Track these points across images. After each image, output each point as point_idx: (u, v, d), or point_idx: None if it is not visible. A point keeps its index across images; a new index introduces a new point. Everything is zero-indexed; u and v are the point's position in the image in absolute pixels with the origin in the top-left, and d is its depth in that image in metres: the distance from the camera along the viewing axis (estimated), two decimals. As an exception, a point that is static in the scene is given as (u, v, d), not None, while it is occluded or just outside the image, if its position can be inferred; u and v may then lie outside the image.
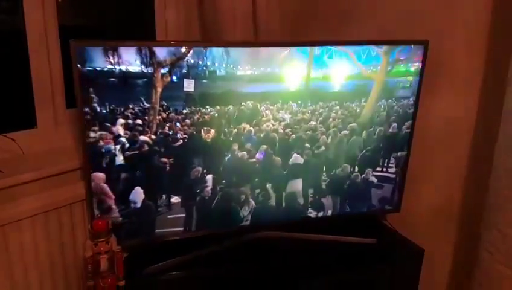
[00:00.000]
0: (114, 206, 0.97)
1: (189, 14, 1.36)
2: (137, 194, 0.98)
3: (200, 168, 1.03)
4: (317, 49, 1.05)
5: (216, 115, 1.01)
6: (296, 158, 1.12)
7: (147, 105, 0.94)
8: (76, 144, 1.09)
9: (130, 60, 0.91)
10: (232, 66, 0.98)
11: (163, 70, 0.93)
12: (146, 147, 0.96)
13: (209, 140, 1.02)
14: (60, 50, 1.13)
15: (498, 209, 1.05)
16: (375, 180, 1.21)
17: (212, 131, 1.01)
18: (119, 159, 0.95)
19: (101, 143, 0.92)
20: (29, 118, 1.12)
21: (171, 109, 0.97)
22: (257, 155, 1.08)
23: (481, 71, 1.14)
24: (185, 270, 1.09)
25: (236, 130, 1.04)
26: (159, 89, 0.94)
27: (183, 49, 0.94)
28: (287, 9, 1.39)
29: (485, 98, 1.15)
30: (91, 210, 1.00)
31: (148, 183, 1.00)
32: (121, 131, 0.93)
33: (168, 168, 1.00)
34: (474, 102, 1.17)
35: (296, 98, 1.07)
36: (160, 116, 0.96)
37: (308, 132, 1.11)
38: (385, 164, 1.21)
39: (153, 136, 0.97)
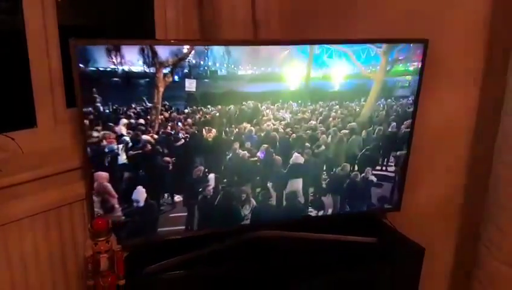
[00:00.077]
0: (117, 205, 1.02)
1: (189, 13, 1.41)
2: (140, 193, 1.03)
3: (202, 168, 1.08)
4: (317, 49, 1.10)
5: (217, 114, 1.06)
6: (297, 157, 1.17)
7: (149, 105, 0.99)
8: (76, 144, 1.14)
9: (132, 60, 0.95)
10: (233, 66, 1.04)
11: (165, 70, 0.98)
12: (148, 147, 1.01)
13: (210, 139, 1.07)
14: (60, 49, 1.17)
15: (498, 207, 1.09)
16: (374, 179, 1.26)
17: (214, 130, 1.07)
18: (122, 159, 0.99)
19: (104, 142, 0.97)
20: (29, 118, 1.16)
21: (173, 108, 1.02)
22: (258, 154, 1.13)
23: (481, 71, 1.18)
24: (185, 269, 1.14)
25: (237, 129, 1.09)
26: (161, 89, 0.99)
27: (185, 50, 0.99)
28: (286, 9, 1.44)
29: (485, 98, 1.19)
30: (91, 209, 1.04)
31: (150, 182, 1.05)
32: (124, 130, 0.98)
33: (170, 167, 1.05)
34: (474, 101, 1.20)
35: (296, 98, 1.12)
36: (162, 116, 1.01)
37: (308, 131, 1.16)
38: (384, 163, 1.27)
39: (155, 136, 1.02)
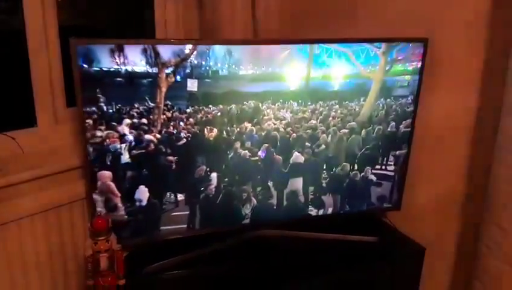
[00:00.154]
0: (120, 205, 1.07)
1: (189, 13, 1.46)
2: (143, 193, 1.08)
3: (204, 167, 1.14)
4: (316, 49, 1.16)
5: (219, 114, 1.11)
6: (297, 157, 1.23)
7: (152, 104, 1.04)
8: (76, 143, 1.18)
9: (134, 60, 1.00)
10: (234, 66, 1.09)
11: (167, 71, 1.03)
12: (151, 146, 1.06)
13: (212, 139, 1.12)
14: (60, 49, 1.22)
15: (498, 206, 1.13)
16: (374, 178, 1.32)
17: (215, 130, 1.12)
18: (125, 158, 1.04)
19: (108, 142, 1.02)
20: (29, 117, 1.21)
21: (175, 108, 1.07)
22: (259, 153, 1.18)
23: (481, 70, 1.22)
24: (186, 269, 1.18)
25: (238, 129, 1.15)
26: (164, 89, 1.04)
27: (187, 50, 1.04)
28: (285, 9, 1.49)
29: (485, 98, 1.23)
30: (91, 209, 1.08)
31: (153, 181, 1.10)
32: (127, 130, 1.04)
33: (172, 166, 1.10)
34: (474, 101, 1.25)
35: (296, 97, 1.18)
36: (164, 116, 1.06)
37: (308, 131, 1.22)
38: (384, 162, 1.33)
39: (158, 135, 1.07)
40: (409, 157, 1.34)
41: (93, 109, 1.00)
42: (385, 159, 1.33)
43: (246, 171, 1.19)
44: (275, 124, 1.18)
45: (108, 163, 1.04)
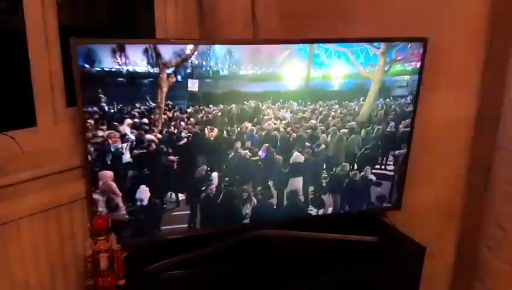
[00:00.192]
0: (121, 204, 1.10)
1: (189, 13, 1.49)
2: (144, 192, 1.11)
3: (204, 166, 1.16)
4: (316, 49, 1.19)
5: (219, 114, 1.14)
6: (297, 156, 1.26)
7: (153, 104, 1.07)
8: (76, 143, 1.20)
9: (136, 60, 1.03)
10: (234, 66, 1.12)
11: (168, 71, 1.06)
12: (153, 146, 1.09)
13: (212, 139, 1.15)
14: (60, 49, 1.23)
15: (498, 206, 1.16)
16: (374, 178, 1.35)
17: (216, 130, 1.15)
18: (126, 158, 1.07)
19: (109, 142, 1.05)
20: (29, 117, 1.22)
21: (176, 108, 1.10)
22: (259, 153, 1.21)
23: (480, 70, 1.25)
24: (186, 268, 1.21)
25: (239, 128, 1.17)
26: (165, 89, 1.07)
27: (188, 50, 1.07)
28: (285, 9, 1.52)
29: (485, 96, 1.26)
30: (91, 208, 1.11)
31: (154, 181, 1.12)
32: (128, 130, 1.06)
33: (173, 166, 1.12)
34: (474, 100, 1.28)
35: (296, 97, 1.21)
36: (165, 115, 1.09)
37: (308, 131, 1.25)
38: (383, 162, 1.36)
39: (159, 135, 1.10)
40: (408, 157, 1.37)
41: (94, 108, 1.03)
42: (384, 158, 1.36)
43: (246, 171, 1.22)
44: (275, 124, 1.21)
45: (110, 163, 1.07)
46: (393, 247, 1.39)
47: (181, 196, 1.17)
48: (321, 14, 1.51)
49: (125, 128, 1.07)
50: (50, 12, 1.22)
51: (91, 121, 1.03)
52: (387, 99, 1.30)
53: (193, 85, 1.10)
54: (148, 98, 1.07)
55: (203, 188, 1.18)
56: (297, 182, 1.29)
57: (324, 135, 1.28)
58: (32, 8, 1.18)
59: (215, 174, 1.18)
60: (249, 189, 1.23)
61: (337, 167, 1.32)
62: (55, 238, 1.19)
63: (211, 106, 1.14)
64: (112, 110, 1.05)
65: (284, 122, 1.22)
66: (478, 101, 1.28)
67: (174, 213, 1.17)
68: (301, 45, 1.19)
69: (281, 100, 1.20)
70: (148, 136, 1.09)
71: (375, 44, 1.24)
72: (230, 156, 1.19)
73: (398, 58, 1.27)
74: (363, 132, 1.31)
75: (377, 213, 1.49)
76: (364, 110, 1.29)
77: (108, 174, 1.07)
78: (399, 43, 1.26)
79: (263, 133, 1.21)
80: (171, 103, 1.10)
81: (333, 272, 1.27)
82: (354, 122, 1.29)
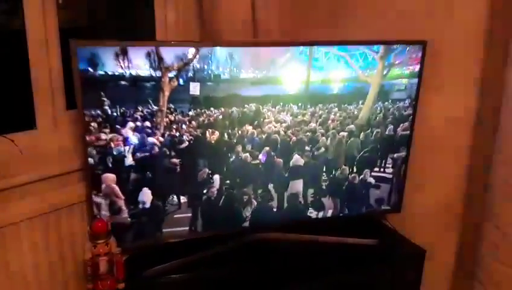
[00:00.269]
0: (124, 207, 1.14)
1: (189, 14, 1.53)
2: (146, 195, 1.15)
3: (206, 169, 1.21)
4: (316, 53, 1.25)
5: (220, 117, 1.19)
6: (297, 159, 1.31)
7: (155, 108, 1.11)
8: (75, 145, 1.22)
9: (137, 63, 1.07)
10: (235, 70, 1.17)
11: (170, 74, 1.11)
12: (155, 149, 1.13)
13: (213, 141, 1.20)
14: (61, 51, 1.26)
15: (498, 208, 1.20)
16: (373, 180, 1.41)
17: (217, 133, 1.20)
18: (129, 161, 1.11)
19: (112, 145, 1.09)
20: (28, 119, 1.25)
21: (177, 111, 1.14)
22: (260, 156, 1.26)
23: (480, 70, 1.30)
24: (186, 272, 1.24)
25: (240, 131, 1.22)
26: (167, 93, 1.11)
27: (190, 54, 1.12)
28: (285, 9, 1.56)
29: (485, 98, 1.31)
30: (91, 211, 1.14)
31: (156, 183, 1.16)
32: (130, 133, 1.10)
33: (175, 168, 1.17)
34: (474, 101, 1.32)
35: (296, 101, 1.26)
36: (167, 119, 1.13)
37: (308, 134, 1.30)
38: (382, 165, 1.41)
39: (161, 138, 1.14)
40: (408, 159, 1.42)
41: (94, 111, 1.06)
42: (383, 161, 1.41)
43: (247, 173, 1.26)
44: (275, 127, 1.26)
45: (113, 166, 1.10)
46: (393, 250, 1.44)
47: (183, 199, 1.21)
48: (321, 14, 1.54)
49: (128, 132, 1.11)
50: (50, 13, 1.24)
51: (94, 125, 1.07)
52: (386, 103, 1.36)
53: (195, 88, 1.15)
54: (150, 101, 1.11)
55: (204, 191, 1.23)
56: (298, 185, 1.34)
57: (324, 138, 1.33)
58: (32, 10, 1.21)
59: (216, 177, 1.23)
60: (249, 192, 1.28)
61: (337, 170, 1.37)
62: (55, 241, 1.21)
63: (212, 109, 1.18)
64: (115, 113, 1.09)
65: (284, 125, 1.27)
66: (478, 101, 1.32)
67: (176, 216, 1.21)
68: (301, 48, 1.24)
69: (281, 103, 1.25)
70: (151, 140, 1.13)
71: (374, 48, 1.30)
72: (231, 159, 1.24)
73: (397, 62, 1.33)
74: (362, 135, 1.36)
75: (377, 216, 1.54)
76: (363, 113, 1.34)
77: (111, 177, 1.11)
78: (397, 46, 1.31)
79: (263, 136, 1.26)
80: (173, 106, 1.14)
81: (333, 275, 1.31)
82: (353, 126, 1.34)
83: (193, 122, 1.17)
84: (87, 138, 1.08)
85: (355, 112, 1.34)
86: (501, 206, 1.20)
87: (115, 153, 1.10)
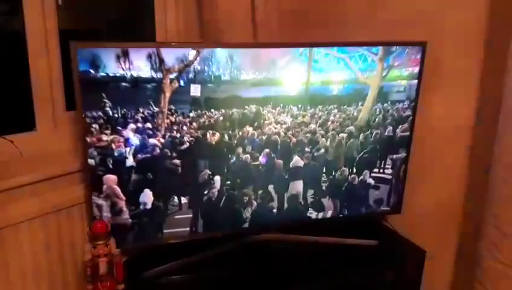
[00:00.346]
0: (125, 208, 1.17)
1: (189, 15, 1.56)
2: (147, 196, 1.18)
3: (207, 170, 1.24)
4: (316, 55, 1.29)
5: (221, 118, 1.23)
6: (297, 161, 1.35)
7: (156, 109, 1.15)
8: (75, 147, 1.25)
9: (138, 65, 1.10)
10: (235, 71, 1.20)
11: (171, 76, 1.14)
12: (157, 150, 1.17)
13: (214, 143, 1.23)
14: (60, 52, 1.29)
15: (498, 208, 1.23)
16: (372, 181, 1.44)
17: (217, 134, 1.23)
18: (130, 162, 1.14)
19: (113, 146, 1.12)
20: (28, 120, 1.28)
21: (178, 112, 1.18)
22: (260, 159, 1.30)
23: (480, 70, 1.33)
24: (185, 273, 1.27)
25: (240, 133, 1.26)
26: (168, 94, 1.15)
27: (191, 56, 1.15)
28: (285, 10, 1.60)
29: (485, 98, 1.34)
30: (90, 213, 1.16)
31: (157, 185, 1.19)
32: (131, 134, 1.14)
33: (176, 169, 1.20)
34: (474, 101, 1.36)
35: (296, 102, 1.30)
36: (168, 120, 1.17)
37: (308, 135, 1.34)
38: (382, 166, 1.45)
39: (162, 140, 1.17)
40: (408, 160, 1.45)
41: (96, 113, 1.10)
42: (383, 162, 1.45)
43: (247, 175, 1.30)
44: (275, 128, 1.30)
45: (114, 167, 1.14)
46: (394, 251, 1.47)
47: (183, 200, 1.25)
48: (321, 14, 1.58)
49: (129, 133, 1.14)
50: (50, 15, 1.27)
51: (96, 126, 1.11)
52: (385, 104, 1.40)
53: (195, 90, 1.19)
54: (151, 102, 1.15)
55: (205, 192, 1.26)
56: (298, 186, 1.37)
57: (323, 139, 1.37)
58: (32, 11, 1.24)
59: (217, 178, 1.26)
60: (250, 193, 1.32)
61: (337, 171, 1.41)
62: (55, 242, 1.24)
63: (212, 110, 1.22)
64: (116, 115, 1.12)
65: (284, 126, 1.31)
66: (478, 101, 1.36)
67: (177, 217, 1.25)
68: (301, 49, 1.28)
69: (281, 105, 1.29)
70: (152, 141, 1.17)
71: (373, 50, 1.34)
72: (232, 160, 1.27)
73: (396, 64, 1.36)
74: (361, 136, 1.40)
75: (377, 217, 1.57)
76: (362, 114, 1.38)
77: (112, 178, 1.14)
78: (396, 48, 1.35)
79: (264, 138, 1.29)
80: (173, 108, 1.18)
81: (333, 276, 1.34)
82: (352, 127, 1.38)
83: (194, 124, 1.21)
84: (89, 140, 1.11)
85: (355, 114, 1.38)
86: (501, 206, 1.23)
87: (116, 154, 1.14)
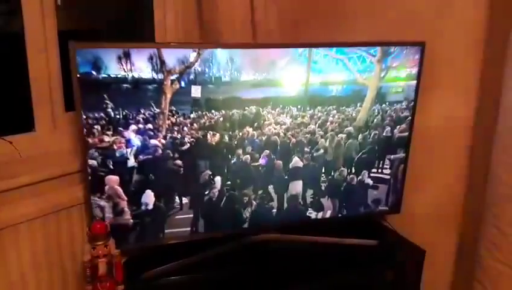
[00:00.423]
0: (127, 209, 1.20)
1: (188, 15, 1.60)
2: (149, 196, 1.21)
3: (208, 171, 1.28)
4: (315, 56, 1.33)
5: (221, 119, 1.27)
6: (296, 161, 1.39)
7: (157, 110, 1.18)
8: (75, 147, 1.27)
9: (139, 66, 1.14)
10: (236, 72, 1.24)
11: (172, 77, 1.18)
12: (159, 151, 1.20)
13: (214, 143, 1.27)
14: (60, 53, 1.32)
15: (497, 208, 1.24)
16: (371, 182, 1.48)
17: (218, 135, 1.27)
18: (132, 162, 1.18)
19: (115, 147, 1.15)
20: (27, 121, 1.30)
21: (179, 113, 1.22)
22: (260, 160, 1.34)
23: (479, 70, 1.35)
24: (185, 274, 1.30)
25: (240, 133, 1.29)
26: (169, 95, 1.18)
27: (192, 58, 1.19)
28: (285, 10, 1.63)
29: (485, 98, 1.35)
30: (90, 213, 1.19)
31: (159, 185, 1.23)
32: (133, 135, 1.17)
33: (178, 170, 1.24)
34: (474, 101, 1.38)
35: (295, 103, 1.34)
36: (169, 121, 1.21)
37: (307, 135, 1.38)
38: (380, 166, 1.49)
39: (163, 140, 1.21)
40: (407, 160, 1.49)
41: (98, 114, 1.13)
42: (381, 163, 1.49)
43: (247, 175, 1.34)
44: (275, 129, 1.34)
45: (116, 168, 1.17)
46: (393, 250, 1.51)
47: (184, 200, 1.28)
48: (320, 15, 1.61)
49: (130, 134, 1.18)
50: (49, 15, 1.30)
51: (97, 127, 1.14)
52: (384, 105, 1.44)
53: (196, 91, 1.22)
54: (152, 104, 1.18)
55: (206, 192, 1.30)
56: (297, 186, 1.41)
57: (323, 139, 1.40)
58: (31, 12, 1.26)
59: (218, 178, 1.30)
60: (250, 193, 1.35)
61: (335, 171, 1.45)
62: (54, 243, 1.26)
63: (213, 111, 1.26)
64: (118, 116, 1.15)
65: (283, 127, 1.35)
66: (478, 101, 1.38)
67: (177, 217, 1.28)
68: (300, 50, 1.32)
69: (280, 105, 1.33)
70: (153, 142, 1.20)
71: (372, 51, 1.38)
72: (232, 161, 1.31)
73: (394, 65, 1.40)
74: (360, 136, 1.44)
75: (376, 217, 1.61)
76: (361, 115, 1.42)
77: (114, 178, 1.17)
78: (395, 49, 1.39)
79: (264, 138, 1.33)
80: (174, 109, 1.22)
81: (333, 276, 1.38)
82: (351, 127, 1.42)
83: (194, 125, 1.25)
84: (91, 140, 1.14)
85: (354, 114, 1.42)
86: (501, 206, 1.25)
87: (117, 155, 1.17)
